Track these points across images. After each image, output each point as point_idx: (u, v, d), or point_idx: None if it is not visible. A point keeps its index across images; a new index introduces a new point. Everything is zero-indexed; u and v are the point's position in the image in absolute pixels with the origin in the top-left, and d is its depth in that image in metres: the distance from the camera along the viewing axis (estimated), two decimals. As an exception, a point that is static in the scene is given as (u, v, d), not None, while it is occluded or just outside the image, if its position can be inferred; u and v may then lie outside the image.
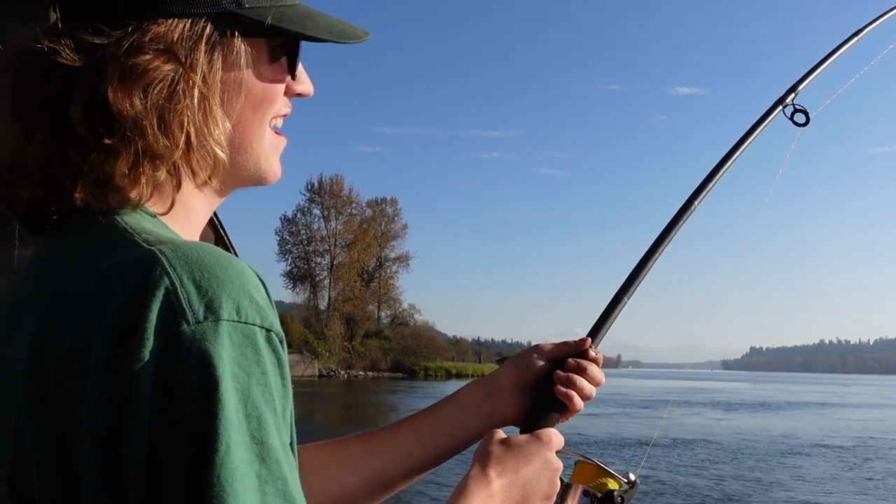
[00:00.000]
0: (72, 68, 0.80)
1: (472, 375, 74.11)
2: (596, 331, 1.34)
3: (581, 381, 1.24)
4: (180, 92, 0.82)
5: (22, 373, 0.73)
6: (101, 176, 0.79)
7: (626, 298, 1.39)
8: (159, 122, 0.80)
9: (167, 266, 0.71)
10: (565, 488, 1.24)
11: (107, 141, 0.79)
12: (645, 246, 1.45)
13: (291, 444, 0.76)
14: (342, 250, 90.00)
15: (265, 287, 0.76)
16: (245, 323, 0.70)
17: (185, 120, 0.82)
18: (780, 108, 1.71)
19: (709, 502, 15.83)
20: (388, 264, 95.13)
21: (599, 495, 1.24)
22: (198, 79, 0.83)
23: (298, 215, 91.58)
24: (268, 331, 0.72)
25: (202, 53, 0.84)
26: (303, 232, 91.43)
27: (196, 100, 0.83)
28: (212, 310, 0.69)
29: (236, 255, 0.89)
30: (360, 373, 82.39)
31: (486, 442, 1.15)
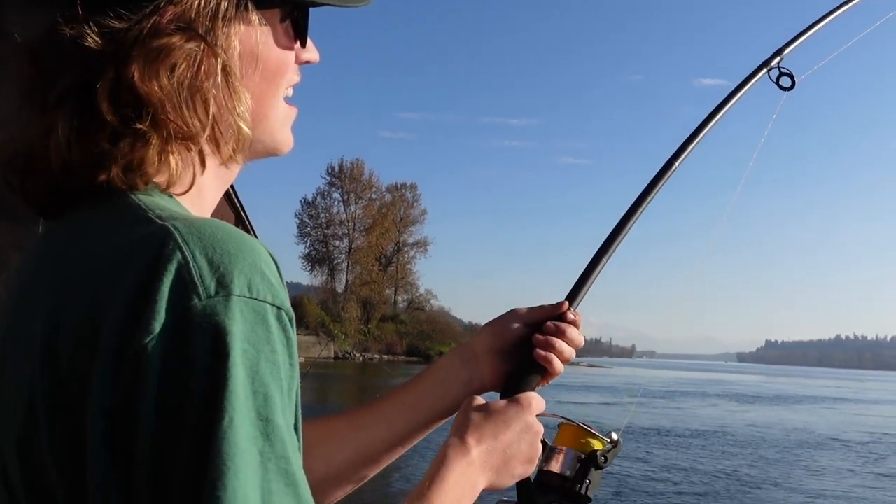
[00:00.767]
0: (95, 54, 0.79)
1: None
2: (575, 293, 1.33)
3: (560, 344, 1.24)
4: (204, 70, 0.81)
5: (35, 347, 0.74)
6: (132, 160, 0.79)
7: (605, 260, 1.37)
8: (186, 102, 0.80)
9: (180, 241, 0.71)
10: (549, 451, 1.25)
11: (137, 126, 0.78)
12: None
13: (297, 424, 0.76)
14: (361, 234, 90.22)
15: (277, 266, 0.75)
16: (256, 300, 0.70)
17: (211, 98, 0.82)
18: (765, 70, 1.67)
19: (719, 491, 15.81)
20: (405, 249, 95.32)
21: (583, 456, 1.24)
22: (220, 55, 0.83)
23: (318, 199, 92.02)
24: (278, 309, 0.72)
25: (220, 28, 0.84)
26: (322, 215, 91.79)
27: (219, 77, 0.83)
28: (223, 285, 0.69)
29: (256, 236, 0.90)
30: (376, 356, 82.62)
31: (464, 409, 1.15)
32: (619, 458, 1.27)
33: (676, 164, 1.48)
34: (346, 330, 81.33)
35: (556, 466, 1.24)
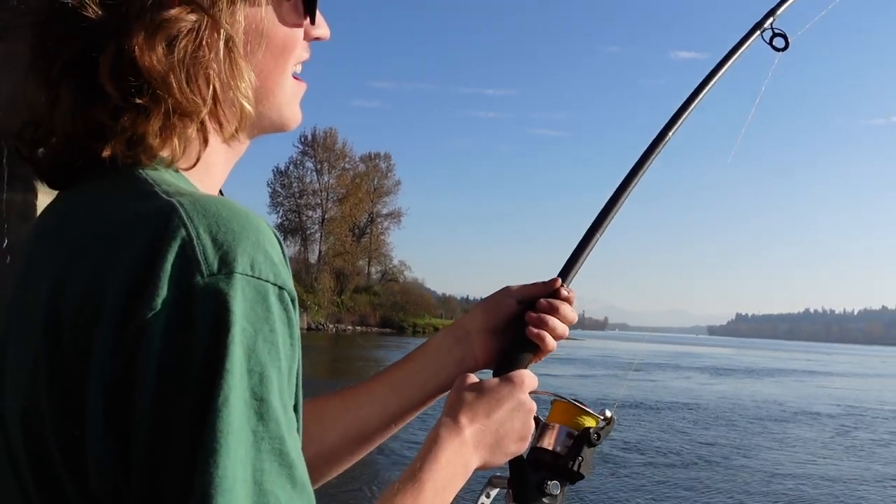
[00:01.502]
0: (98, 25, 0.78)
1: (460, 333, 74.22)
2: (567, 269, 1.31)
3: (553, 321, 1.23)
4: (206, 44, 0.81)
5: (39, 318, 0.74)
6: (133, 135, 0.79)
7: (598, 235, 1.35)
8: (187, 77, 0.80)
9: (185, 218, 0.71)
10: (542, 428, 1.24)
11: (137, 100, 0.78)
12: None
13: (297, 404, 0.76)
14: (334, 204, 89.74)
15: (281, 246, 0.76)
16: (258, 278, 0.70)
17: (212, 73, 0.81)
18: (759, 32, 1.64)
19: (687, 462, 16.02)
20: (379, 220, 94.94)
21: (576, 433, 1.23)
22: (222, 29, 0.82)
23: (291, 168, 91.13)
24: (280, 288, 0.72)
25: (224, 2, 0.83)
26: (295, 185, 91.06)
27: (221, 52, 0.82)
28: (226, 263, 0.69)
29: None
30: (349, 327, 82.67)
31: (456, 388, 1.15)
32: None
33: (670, 133, 1.45)
34: (320, 301, 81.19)
35: (548, 443, 1.24)
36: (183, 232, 0.70)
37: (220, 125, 0.86)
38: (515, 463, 1.18)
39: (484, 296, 1.30)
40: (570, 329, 1.24)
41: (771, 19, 1.65)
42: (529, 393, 1.15)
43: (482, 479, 1.23)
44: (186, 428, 0.65)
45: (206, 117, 0.84)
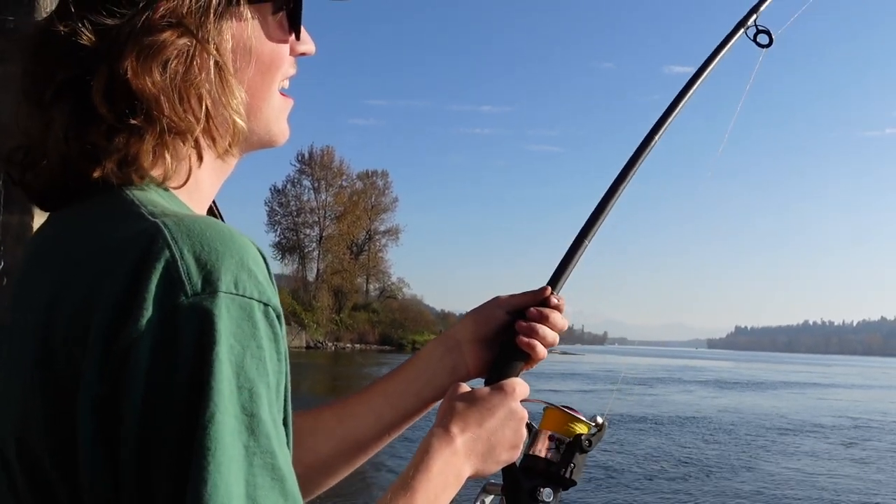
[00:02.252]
0: (90, 51, 0.80)
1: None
2: (556, 277, 1.31)
3: (543, 330, 1.23)
4: (196, 65, 0.82)
5: (32, 340, 0.76)
6: (127, 156, 0.81)
7: (586, 242, 1.35)
8: (180, 97, 0.81)
9: (169, 238, 0.72)
10: (534, 435, 1.25)
11: (131, 121, 0.80)
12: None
13: (286, 419, 0.77)
14: (332, 222, 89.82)
15: (266, 263, 0.76)
16: (243, 296, 0.71)
17: (204, 92, 0.83)
18: (742, 30, 1.62)
19: (695, 475, 15.95)
20: (377, 237, 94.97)
21: (568, 440, 1.24)
22: (212, 49, 0.84)
23: (288, 186, 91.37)
24: (265, 305, 0.73)
25: (212, 24, 0.84)
26: (292, 203, 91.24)
27: (212, 71, 0.84)
28: (210, 282, 0.70)
29: None
30: (348, 345, 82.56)
31: (448, 397, 1.16)
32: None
33: (656, 137, 1.45)
34: (318, 319, 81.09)
35: (541, 451, 1.24)
36: (167, 253, 0.71)
37: (214, 141, 0.87)
38: (509, 471, 1.19)
39: (481, 310, 1.30)
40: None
41: (754, 16, 1.64)
42: (521, 401, 1.16)
43: (476, 486, 1.24)
44: (176, 446, 0.66)
45: (200, 135, 0.85)
